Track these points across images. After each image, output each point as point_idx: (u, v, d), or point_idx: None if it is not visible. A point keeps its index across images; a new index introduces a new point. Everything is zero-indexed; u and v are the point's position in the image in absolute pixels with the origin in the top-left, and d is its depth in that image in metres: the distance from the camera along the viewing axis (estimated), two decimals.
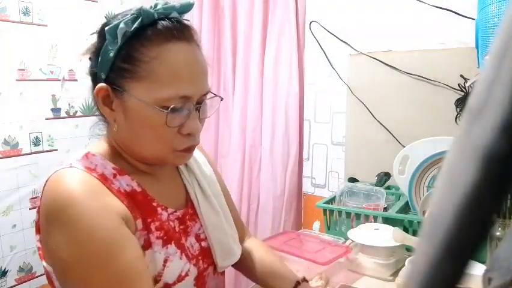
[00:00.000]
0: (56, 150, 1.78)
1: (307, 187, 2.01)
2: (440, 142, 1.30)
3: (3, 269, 1.63)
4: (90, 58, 0.70)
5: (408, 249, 1.15)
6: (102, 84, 0.65)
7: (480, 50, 1.03)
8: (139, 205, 0.66)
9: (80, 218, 0.57)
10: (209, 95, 0.71)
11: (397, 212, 1.30)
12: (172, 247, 0.68)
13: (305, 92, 1.90)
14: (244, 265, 0.89)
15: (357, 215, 1.34)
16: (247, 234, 0.97)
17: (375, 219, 1.30)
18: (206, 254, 0.76)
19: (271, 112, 1.93)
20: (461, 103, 1.49)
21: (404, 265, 1.07)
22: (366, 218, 1.32)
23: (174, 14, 0.66)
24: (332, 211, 1.39)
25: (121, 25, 0.62)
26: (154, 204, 0.69)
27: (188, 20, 0.70)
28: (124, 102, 0.65)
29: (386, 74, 1.65)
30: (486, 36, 0.97)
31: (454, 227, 0.18)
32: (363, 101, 1.71)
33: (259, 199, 2.01)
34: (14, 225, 1.65)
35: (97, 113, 0.71)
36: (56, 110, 1.79)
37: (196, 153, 0.83)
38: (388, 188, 1.58)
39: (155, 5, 0.64)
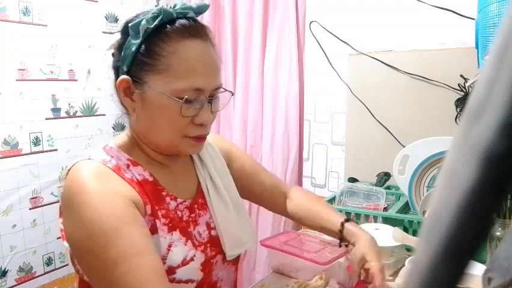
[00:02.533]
0: (56, 150, 1.78)
1: (307, 187, 2.01)
2: (440, 142, 1.30)
3: (3, 269, 1.63)
4: (113, 54, 0.77)
5: (408, 249, 1.15)
6: (124, 76, 0.71)
7: (480, 50, 1.03)
8: (149, 193, 0.72)
9: (91, 202, 0.64)
10: (221, 90, 0.77)
11: (397, 212, 1.30)
12: (176, 234, 0.72)
13: (305, 92, 1.90)
14: (291, 214, 1.03)
15: (357, 215, 1.34)
16: (287, 189, 1.07)
17: (375, 219, 1.30)
18: (215, 242, 0.80)
19: (271, 112, 1.93)
20: (461, 103, 1.49)
21: (404, 265, 1.07)
22: (366, 218, 1.32)
23: (191, 14, 0.73)
24: None
25: (143, 22, 0.69)
26: (164, 193, 0.75)
27: None
28: (143, 93, 0.71)
29: (386, 74, 1.65)
30: (486, 36, 0.97)
31: (453, 226, 0.18)
32: (363, 101, 1.71)
33: None
34: (14, 225, 1.65)
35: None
36: (56, 110, 1.79)
37: (211, 147, 0.92)
38: (388, 188, 1.58)
39: (174, 6, 0.71)
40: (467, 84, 1.46)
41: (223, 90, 0.77)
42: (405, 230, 1.23)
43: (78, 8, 1.80)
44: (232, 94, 0.81)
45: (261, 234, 1.93)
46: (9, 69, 1.62)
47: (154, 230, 0.70)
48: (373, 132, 1.70)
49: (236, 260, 0.87)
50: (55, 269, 1.80)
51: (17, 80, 1.64)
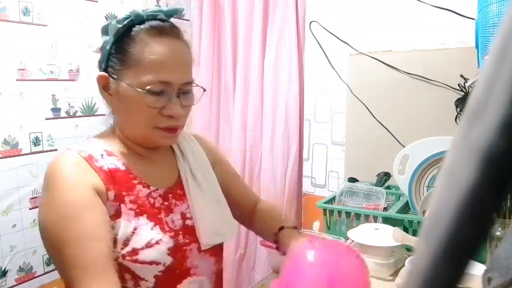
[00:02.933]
0: (56, 150, 1.78)
1: (307, 187, 2.01)
2: (440, 142, 1.30)
3: (3, 269, 1.62)
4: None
5: (408, 249, 1.15)
6: (101, 73, 0.80)
7: (480, 50, 1.03)
8: (118, 181, 0.77)
9: (58, 188, 0.72)
10: (191, 86, 0.82)
11: (397, 212, 1.30)
12: (143, 218, 0.78)
13: (305, 92, 1.90)
14: (252, 224, 1.05)
15: (357, 215, 1.34)
16: (256, 202, 1.09)
17: (375, 219, 1.30)
18: (189, 231, 0.84)
19: (271, 112, 1.93)
20: (461, 103, 1.49)
21: (404, 265, 1.07)
22: (366, 218, 1.32)
23: (161, 16, 0.79)
24: (332, 211, 1.39)
25: (113, 22, 0.77)
26: (135, 181, 0.80)
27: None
28: (118, 88, 0.78)
29: (386, 74, 1.65)
30: (486, 36, 0.97)
31: (453, 226, 0.18)
32: (363, 101, 1.71)
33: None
34: (14, 225, 1.65)
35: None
36: (56, 110, 1.79)
37: (194, 143, 0.98)
38: (388, 188, 1.58)
39: (147, 9, 0.78)
40: (467, 84, 1.46)
41: (194, 85, 0.83)
42: (405, 230, 1.23)
43: (78, 8, 1.80)
44: (204, 90, 0.87)
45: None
46: (9, 69, 1.62)
47: (118, 214, 0.75)
48: (373, 132, 1.69)
49: (215, 251, 0.89)
50: (55, 269, 1.80)
51: (17, 80, 1.64)
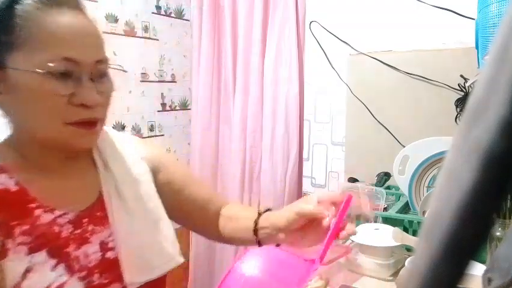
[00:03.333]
0: None
1: (307, 187, 2.01)
2: (440, 142, 1.30)
3: None
4: None
5: (408, 249, 1.15)
6: None
7: (480, 50, 1.03)
8: (5, 206, 0.59)
9: None
10: (105, 66, 0.65)
11: (397, 212, 1.30)
12: (41, 255, 0.58)
13: (305, 92, 1.90)
14: (221, 233, 0.83)
15: (357, 215, 1.34)
16: (222, 205, 0.87)
17: (375, 219, 1.30)
18: (110, 267, 0.65)
19: (271, 112, 1.93)
20: (461, 103, 1.49)
21: (403, 265, 1.07)
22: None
23: None
24: None
25: None
26: (33, 205, 0.61)
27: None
28: (9, 80, 0.59)
29: (386, 74, 1.65)
30: (486, 36, 0.97)
31: (453, 226, 0.18)
32: (363, 101, 1.71)
33: (260, 199, 2.01)
34: None
35: None
36: None
37: (126, 148, 0.75)
38: (388, 188, 1.58)
39: None
40: (467, 84, 1.46)
41: (111, 66, 0.66)
42: (405, 230, 1.23)
43: None
44: (125, 71, 0.68)
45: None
46: None
47: (4, 252, 0.56)
48: (373, 132, 1.69)
49: None
50: None
51: None
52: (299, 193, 1.97)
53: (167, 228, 0.74)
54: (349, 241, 1.19)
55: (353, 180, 1.66)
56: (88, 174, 0.70)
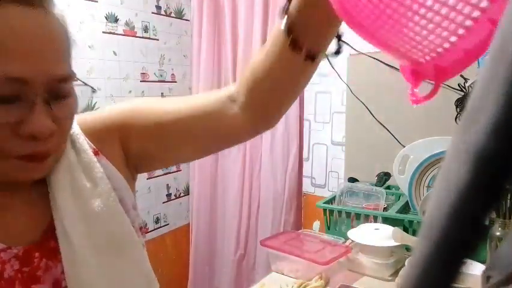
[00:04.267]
0: None
1: (307, 187, 2.01)
2: (440, 142, 1.30)
3: None
4: None
5: (408, 249, 1.15)
6: None
7: None
8: None
9: None
10: (67, 83, 0.49)
11: (397, 212, 1.30)
12: None
13: (305, 92, 1.90)
14: (247, 92, 0.61)
15: (357, 215, 1.34)
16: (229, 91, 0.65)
17: (375, 219, 1.30)
18: None
19: None
20: (461, 103, 1.49)
21: (404, 265, 1.07)
22: (366, 218, 1.32)
23: None
24: (332, 211, 1.39)
25: None
26: None
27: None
28: None
29: (386, 74, 1.65)
30: None
31: (446, 228, 0.19)
32: (363, 101, 1.71)
33: (260, 199, 2.01)
34: None
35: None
36: None
37: (76, 151, 0.57)
38: (388, 188, 1.58)
39: None
40: (467, 84, 1.46)
41: (78, 83, 0.51)
42: (405, 230, 1.23)
43: (78, 8, 1.80)
44: (94, 91, 0.55)
45: (261, 234, 1.93)
46: None
47: None
48: (373, 132, 1.70)
49: None
50: None
51: None
52: (299, 193, 1.97)
53: (137, 254, 0.59)
54: (349, 241, 1.19)
55: (353, 180, 1.67)
56: (35, 199, 0.54)
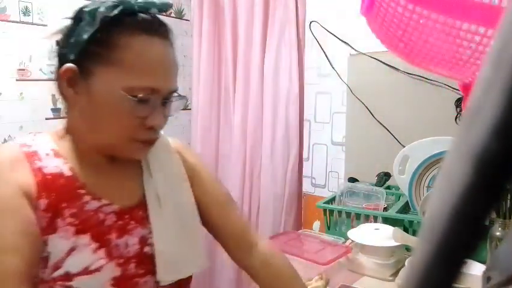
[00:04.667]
0: None
1: (307, 187, 2.01)
2: (440, 142, 1.30)
3: None
4: (57, 41, 0.69)
5: (408, 249, 1.15)
6: (70, 65, 0.64)
7: None
8: (58, 188, 0.64)
9: None
10: (175, 95, 0.71)
11: (397, 212, 1.30)
12: (85, 238, 0.64)
13: (305, 92, 1.90)
14: (251, 268, 0.84)
15: (357, 215, 1.34)
16: (256, 238, 0.87)
17: (375, 219, 1.30)
18: (146, 260, 0.70)
19: (271, 112, 1.93)
20: (461, 103, 1.49)
21: (404, 265, 1.07)
22: (366, 218, 1.32)
23: (153, 10, 0.67)
24: (332, 211, 1.39)
25: (101, 9, 0.63)
26: (82, 191, 0.66)
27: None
28: (90, 86, 0.64)
29: (386, 74, 1.65)
30: None
31: (447, 228, 0.19)
32: (363, 101, 1.71)
33: (260, 199, 2.01)
34: None
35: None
36: (56, 110, 1.79)
37: (171, 156, 0.80)
38: (388, 188, 1.58)
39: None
40: None
41: (177, 95, 0.71)
42: (405, 230, 1.23)
43: (78, 8, 1.80)
44: (187, 100, 0.76)
45: (261, 235, 1.93)
46: (9, 69, 1.62)
47: (53, 229, 0.62)
48: (373, 132, 1.69)
49: (179, 286, 0.75)
50: None
51: (17, 80, 1.64)
52: (299, 193, 1.97)
53: (198, 234, 0.80)
54: (349, 241, 1.19)
55: (353, 180, 1.67)
56: (133, 177, 0.75)
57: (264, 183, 1.98)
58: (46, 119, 1.75)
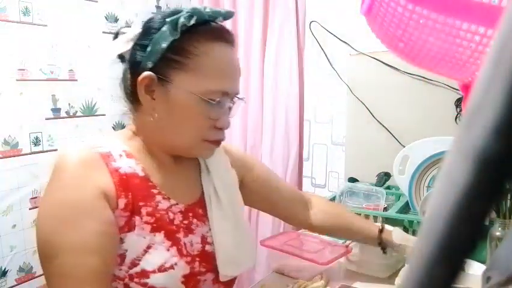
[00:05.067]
0: (56, 150, 1.78)
1: (307, 187, 2.01)
2: (440, 142, 1.30)
3: (3, 269, 1.63)
4: (133, 48, 0.72)
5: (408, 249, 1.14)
6: (149, 73, 0.68)
7: None
8: (133, 187, 0.67)
9: (59, 185, 0.64)
10: (239, 99, 0.78)
11: (397, 212, 1.30)
12: (160, 236, 0.68)
13: (305, 92, 1.90)
14: (315, 224, 1.02)
15: (357, 215, 1.34)
16: (307, 198, 1.05)
17: (375, 219, 1.30)
18: (207, 259, 0.74)
19: (271, 112, 1.93)
20: (461, 103, 1.49)
21: (404, 265, 1.07)
22: (366, 218, 1.32)
23: (220, 19, 0.73)
24: None
25: (181, 19, 0.67)
26: (154, 191, 0.71)
27: None
28: (167, 92, 0.69)
29: (386, 74, 1.65)
30: None
31: (447, 228, 0.19)
32: (363, 101, 1.71)
33: None
34: (14, 225, 1.65)
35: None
36: (56, 110, 1.79)
37: (222, 156, 0.87)
38: (388, 188, 1.58)
39: (205, 8, 0.70)
40: None
41: (238, 97, 0.77)
42: (405, 230, 1.23)
43: (78, 8, 1.80)
44: (245, 102, 0.82)
45: (261, 235, 1.93)
46: (9, 69, 1.62)
47: (130, 226, 0.65)
48: (373, 132, 1.69)
49: (229, 283, 0.79)
50: None
51: (17, 80, 1.64)
52: None
53: (249, 229, 0.87)
54: (349, 241, 1.19)
55: (353, 180, 1.67)
56: (191, 174, 0.81)
57: None
58: (46, 119, 1.75)
